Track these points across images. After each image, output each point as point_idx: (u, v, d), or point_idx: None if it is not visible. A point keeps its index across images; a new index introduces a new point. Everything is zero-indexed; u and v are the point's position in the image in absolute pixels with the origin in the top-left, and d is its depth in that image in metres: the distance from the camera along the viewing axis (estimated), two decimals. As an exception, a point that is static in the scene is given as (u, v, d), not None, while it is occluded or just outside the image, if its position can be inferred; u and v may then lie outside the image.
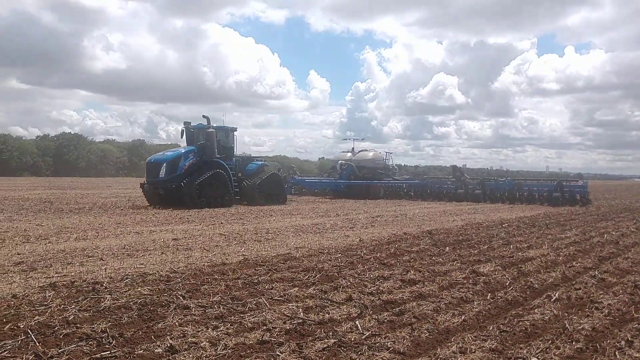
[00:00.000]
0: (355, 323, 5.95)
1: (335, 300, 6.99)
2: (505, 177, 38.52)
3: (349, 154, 38.56)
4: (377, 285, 7.94)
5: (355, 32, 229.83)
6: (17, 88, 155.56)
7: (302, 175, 47.62)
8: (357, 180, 35.49)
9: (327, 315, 6.27)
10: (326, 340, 5.34)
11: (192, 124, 25.47)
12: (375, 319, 6.17)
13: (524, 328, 5.98)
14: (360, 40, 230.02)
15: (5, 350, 4.77)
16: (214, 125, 25.35)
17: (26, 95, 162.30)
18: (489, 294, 7.60)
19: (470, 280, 8.50)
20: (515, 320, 6.31)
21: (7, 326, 5.44)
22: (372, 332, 5.67)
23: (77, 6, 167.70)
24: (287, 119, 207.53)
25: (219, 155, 24.42)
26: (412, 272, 8.99)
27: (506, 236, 14.42)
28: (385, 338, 5.50)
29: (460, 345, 5.34)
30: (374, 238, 13.53)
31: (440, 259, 10.41)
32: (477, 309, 6.77)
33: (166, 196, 23.06)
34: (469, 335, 5.68)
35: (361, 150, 39.20)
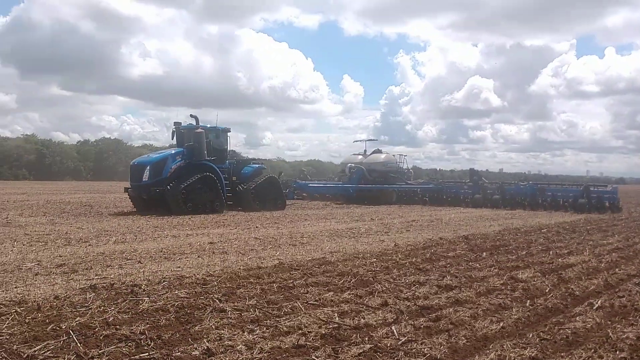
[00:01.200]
0: (391, 328, 5.90)
1: (370, 305, 6.95)
2: (527, 181, 36.19)
3: (360, 157, 35.85)
4: (412, 290, 7.86)
5: (389, 36, 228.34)
6: (58, 95, 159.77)
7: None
8: (367, 185, 33.09)
9: (362, 320, 6.23)
10: (362, 346, 5.30)
11: (182, 125, 23.86)
12: (411, 324, 6.11)
13: (565, 336, 5.83)
14: (394, 44, 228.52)
15: (48, 350, 4.89)
16: (206, 125, 23.71)
17: (67, 102, 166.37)
18: (528, 301, 7.43)
19: (509, 286, 8.34)
20: (556, 328, 6.15)
21: (50, 327, 5.57)
22: (408, 337, 5.61)
23: (115, 14, 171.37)
24: (321, 124, 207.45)
25: (209, 158, 22.63)
26: (448, 277, 8.87)
27: (545, 242, 14.12)
28: (421, 344, 5.43)
29: (499, 353, 5.23)
30: (409, 243, 13.42)
31: (477, 265, 10.25)
32: (516, 316, 6.63)
33: (149, 201, 21.77)
34: (507, 342, 5.56)
35: (373, 153, 36.39)
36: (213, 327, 5.78)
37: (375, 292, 7.68)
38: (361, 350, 5.17)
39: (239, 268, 9.31)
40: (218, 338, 5.42)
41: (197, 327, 5.75)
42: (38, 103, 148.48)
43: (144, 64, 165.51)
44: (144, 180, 21.49)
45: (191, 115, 23.69)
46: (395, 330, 5.81)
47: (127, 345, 5.12)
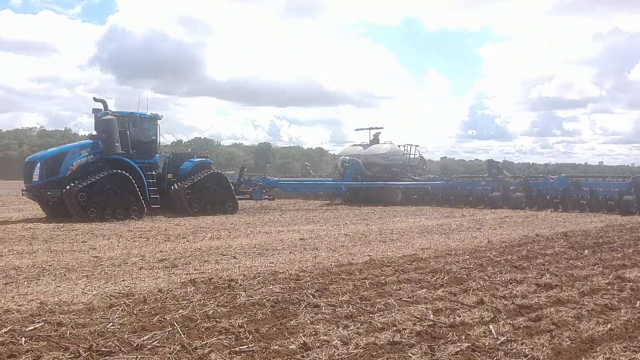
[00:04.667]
0: (488, 327, 5.72)
1: (465, 303, 6.78)
2: (558, 173, 30.48)
3: (360, 148, 30.10)
4: (509, 288, 7.60)
5: (474, 28, 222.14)
6: (152, 98, 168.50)
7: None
8: (364, 182, 28.11)
9: (458, 318, 6.09)
10: (459, 344, 5.19)
11: (109, 111, 19.04)
12: (510, 323, 5.90)
13: (681, 340, 5.41)
14: (479, 35, 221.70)
15: (155, 340, 5.15)
16: (124, 111, 19.46)
17: (160, 104, 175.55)
18: (638, 302, 6.97)
19: (615, 286, 7.86)
20: (671, 331, 5.73)
21: (156, 318, 5.88)
22: (507, 337, 5.42)
23: (201, 19, 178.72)
24: (405, 118, 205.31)
25: (123, 151, 18.35)
26: (547, 275, 8.49)
27: (654, 239, 13.18)
28: (522, 344, 5.23)
29: (608, 356, 4.95)
30: (503, 240, 12.98)
31: (579, 263, 9.74)
32: (624, 318, 6.23)
33: (56, 207, 17.58)
34: (617, 345, 5.25)
35: (371, 143, 30.65)
36: (308, 322, 5.87)
37: (469, 289, 7.49)
38: (458, 349, 5.06)
39: (331, 264, 9.39)
40: (313, 333, 5.49)
41: (292, 322, 5.86)
42: (134, 106, 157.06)
43: (230, 65, 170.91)
44: (34, 180, 17.49)
45: (95, 99, 19.43)
46: (493, 330, 5.63)
47: (227, 337, 5.30)
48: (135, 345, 5.00)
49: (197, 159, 20.93)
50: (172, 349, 4.91)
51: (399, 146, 30.32)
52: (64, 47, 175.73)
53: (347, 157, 29.25)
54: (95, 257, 10.00)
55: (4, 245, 11.37)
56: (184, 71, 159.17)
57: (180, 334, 5.33)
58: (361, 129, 33.05)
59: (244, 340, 5.21)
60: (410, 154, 30.63)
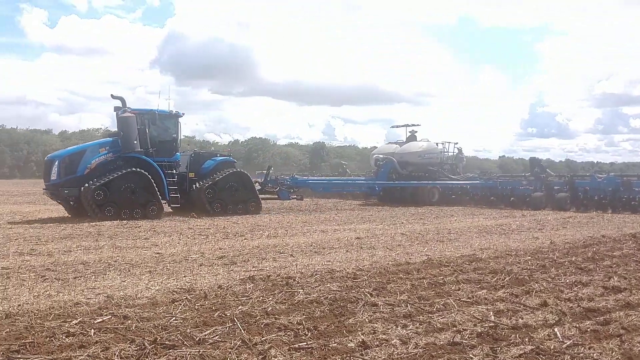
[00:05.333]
0: (553, 330, 5.54)
1: (528, 304, 6.60)
2: (607, 172, 27.47)
3: (395, 146, 28.93)
4: (575, 291, 7.33)
5: (532, 23, 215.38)
6: (209, 99, 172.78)
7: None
8: (398, 181, 26.96)
9: (520, 320, 5.93)
10: (522, 347, 5.04)
11: (128, 108, 18.65)
12: (576, 327, 5.69)
13: None
14: (538, 30, 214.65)
15: (216, 335, 5.26)
16: (144, 109, 19.09)
17: (217, 105, 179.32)
18: None
19: (689, 290, 7.46)
20: None
21: (216, 313, 5.99)
22: (573, 341, 5.23)
23: (254, 22, 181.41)
24: (461, 117, 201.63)
25: (141, 149, 17.99)
26: (615, 278, 8.15)
27: None
28: (589, 349, 5.04)
29: (683, 363, 4.70)
30: (566, 240, 12.55)
31: (649, 265, 9.30)
32: (700, 323, 5.91)
33: (79, 206, 17.38)
34: (692, 352, 4.98)
35: (408, 141, 29.43)
36: (366, 320, 5.85)
37: (532, 291, 7.27)
38: (522, 352, 4.92)
39: (388, 263, 9.33)
40: (372, 331, 5.47)
41: (350, 320, 5.85)
42: (193, 107, 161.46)
43: (286, 66, 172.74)
44: (52, 179, 17.43)
45: (113, 96, 19.01)
46: (558, 333, 5.45)
47: (286, 334, 5.35)
48: (197, 339, 5.11)
49: (220, 158, 20.49)
50: (232, 344, 4.99)
51: (436, 144, 29.01)
52: (126, 50, 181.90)
53: (381, 156, 28.07)
54: (158, 253, 10.30)
55: (72, 241, 11.87)
56: (240, 72, 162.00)
57: (241, 330, 5.41)
58: (397, 126, 32.03)
59: (303, 337, 5.25)
60: (448, 152, 29.27)
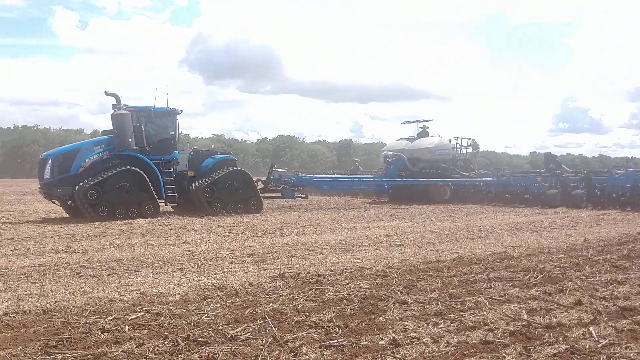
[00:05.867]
0: (588, 329, 5.44)
1: (562, 303, 6.48)
2: (625, 167, 24.81)
3: (405, 142, 28.04)
4: (610, 289, 7.18)
5: (563, 17, 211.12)
6: (237, 97, 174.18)
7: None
8: (407, 179, 25.90)
9: (554, 319, 5.83)
10: (556, 346, 4.96)
11: (123, 105, 18.09)
12: (612, 326, 5.57)
13: None
14: (569, 24, 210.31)
15: (247, 332, 5.30)
16: (139, 105, 18.42)
17: (245, 103, 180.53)
18: None
19: None
20: None
21: (247, 310, 6.04)
22: (609, 340, 5.12)
23: (281, 20, 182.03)
24: (492, 113, 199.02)
25: (137, 147, 17.54)
26: (652, 276, 7.96)
27: None
28: (626, 349, 4.93)
29: None
30: (601, 238, 12.29)
31: (688, 263, 9.06)
32: None
33: (76, 206, 16.95)
34: None
35: (419, 137, 28.37)
36: (397, 318, 5.83)
37: (566, 289, 7.14)
38: (556, 351, 4.84)
39: (418, 261, 9.28)
40: (403, 329, 5.44)
41: (381, 318, 5.84)
42: (221, 106, 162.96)
43: (312, 64, 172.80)
44: (45, 178, 17.07)
45: (106, 93, 18.37)
46: (593, 332, 5.34)
47: (317, 331, 5.36)
48: (229, 336, 5.16)
49: (220, 156, 19.84)
50: (264, 341, 5.03)
51: (448, 140, 28.15)
52: (155, 50, 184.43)
53: (391, 152, 27.20)
54: (189, 251, 10.43)
55: (106, 239, 12.10)
56: (267, 70, 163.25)
57: (272, 327, 5.45)
58: (408, 122, 30.66)
59: (334, 335, 5.25)
60: (461, 148, 28.24)
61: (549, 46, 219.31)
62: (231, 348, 4.83)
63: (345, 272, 8.24)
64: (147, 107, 18.32)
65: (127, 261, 9.23)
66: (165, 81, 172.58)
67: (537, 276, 7.93)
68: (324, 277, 7.82)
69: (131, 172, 16.99)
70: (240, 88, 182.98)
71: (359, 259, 9.58)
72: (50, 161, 17.00)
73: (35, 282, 7.53)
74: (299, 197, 22.73)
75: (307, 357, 4.70)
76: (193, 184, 18.66)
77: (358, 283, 7.44)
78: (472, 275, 8.04)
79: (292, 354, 4.77)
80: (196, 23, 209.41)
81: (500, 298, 6.72)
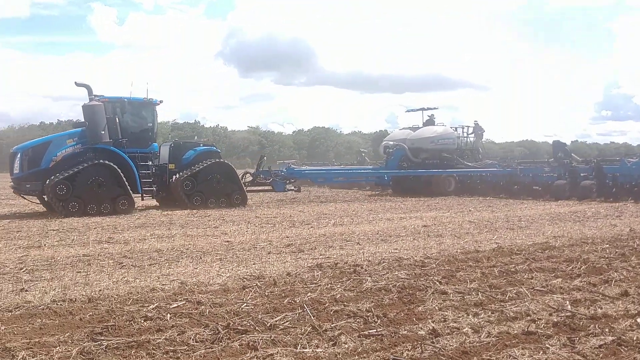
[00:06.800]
0: (635, 321, 5.28)
1: (607, 294, 6.32)
2: (638, 155, 22.93)
3: (408, 131, 26.49)
4: (658, 280, 6.96)
5: (603, 1, 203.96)
6: (273, 90, 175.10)
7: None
8: (408, 170, 24.57)
9: (599, 310, 5.69)
10: (602, 337, 4.84)
11: (97, 96, 17.09)
12: (660, 318, 5.40)
13: None
14: (610, 8, 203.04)
15: (286, 321, 5.34)
16: (113, 96, 17.43)
17: (280, 95, 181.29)
18: None
19: None
20: None
21: (286, 300, 6.08)
22: (658, 332, 4.97)
23: (315, 13, 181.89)
24: (529, 101, 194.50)
25: (111, 140, 16.59)
26: (703, 267, 7.68)
27: None
28: (676, 341, 4.78)
29: None
30: (647, 228, 11.93)
31: None
32: None
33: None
34: None
35: (425, 126, 26.76)
36: (436, 308, 5.77)
37: (611, 280, 6.96)
38: (602, 342, 4.72)
39: (456, 251, 9.17)
40: (442, 319, 5.39)
41: (420, 308, 5.79)
42: (256, 98, 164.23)
43: (345, 55, 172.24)
44: (14, 172, 16.22)
45: (77, 83, 17.30)
46: (641, 324, 5.20)
47: (355, 320, 5.36)
48: (268, 325, 5.20)
49: (202, 148, 18.78)
50: (303, 330, 5.05)
51: (455, 129, 26.64)
52: (191, 44, 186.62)
53: (391, 142, 25.76)
54: (227, 241, 10.54)
55: (147, 230, 12.34)
56: (302, 62, 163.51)
57: (310, 316, 5.47)
58: (413, 110, 29.12)
59: (373, 325, 5.24)
60: (466, 137, 26.78)
61: (590, 31, 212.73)
62: (270, 336, 4.87)
63: (383, 262, 8.21)
64: (122, 98, 17.49)
65: (167, 252, 9.40)
66: (201, 75, 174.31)
67: (581, 267, 7.75)
68: (362, 267, 7.80)
69: (104, 166, 16.08)
70: (275, 80, 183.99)
71: (396, 249, 9.52)
72: (19, 155, 16.15)
73: (80, 272, 7.74)
74: (292, 190, 21.65)
75: (346, 346, 4.70)
76: (173, 177, 17.75)
77: (396, 273, 7.40)
78: (513, 265, 7.90)
79: (331, 342, 4.77)
80: (231, 16, 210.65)
81: (543, 289, 6.59)
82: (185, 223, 13.59)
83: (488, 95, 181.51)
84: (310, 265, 8.08)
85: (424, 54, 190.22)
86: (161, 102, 18.25)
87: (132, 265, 8.25)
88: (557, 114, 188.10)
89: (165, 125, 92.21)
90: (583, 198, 19.68)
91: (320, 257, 8.84)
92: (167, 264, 8.30)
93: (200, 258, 8.81)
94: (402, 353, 4.54)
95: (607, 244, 9.76)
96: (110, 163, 16.10)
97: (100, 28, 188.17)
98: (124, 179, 16.25)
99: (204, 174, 17.83)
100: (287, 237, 11.17)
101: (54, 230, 12.22)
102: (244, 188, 19.05)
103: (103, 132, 16.34)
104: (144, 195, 17.51)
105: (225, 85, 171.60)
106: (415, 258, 8.51)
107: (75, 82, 17.18)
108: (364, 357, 4.46)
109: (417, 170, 24.44)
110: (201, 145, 19.11)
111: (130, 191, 16.44)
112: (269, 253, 9.25)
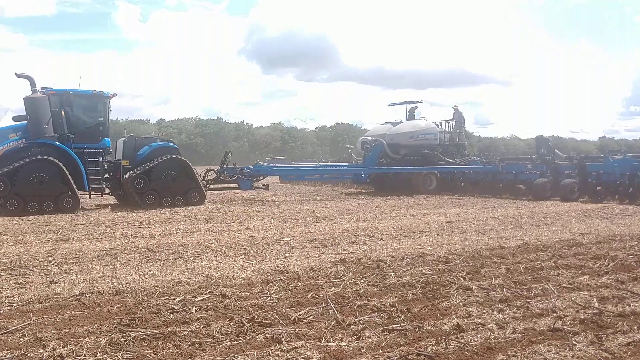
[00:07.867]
0: (665, 319, 5.20)
1: (636, 292, 6.22)
2: (623, 152, 21.58)
3: (388, 126, 24.51)
4: (688, 278, 6.83)
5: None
6: (294, 86, 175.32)
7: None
8: (385, 167, 23.16)
9: (627, 307, 5.60)
10: (630, 335, 4.77)
11: (43, 89, 16.06)
12: (691, 316, 5.30)
13: None
14: (637, 2, 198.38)
15: (310, 315, 5.37)
16: (60, 89, 16.17)
17: (303, 91, 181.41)
18: None
19: None
20: None
21: (310, 294, 6.11)
22: (688, 330, 4.88)
23: (336, 9, 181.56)
24: (556, 96, 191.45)
25: (55, 134, 15.63)
26: None
27: None
28: None
29: None
30: (677, 225, 11.69)
31: None
32: None
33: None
34: None
35: (408, 120, 25.14)
36: (460, 304, 5.75)
37: (640, 278, 6.86)
38: (630, 340, 4.65)
39: (481, 247, 9.11)
40: (467, 315, 5.37)
41: (444, 303, 5.77)
42: (279, 94, 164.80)
43: (365, 51, 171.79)
44: None
45: (17, 75, 16.06)
46: (671, 321, 5.11)
47: (379, 315, 5.36)
48: (292, 318, 5.24)
49: (157, 143, 17.55)
50: (327, 324, 5.07)
51: (438, 124, 24.92)
52: (214, 40, 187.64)
53: (369, 138, 24.13)
54: (251, 236, 10.62)
55: (172, 224, 12.48)
56: (324, 58, 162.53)
57: (334, 311, 5.49)
58: (395, 104, 27.21)
59: (396, 320, 5.24)
60: (449, 133, 25.29)
61: (618, 24, 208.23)
62: (295, 330, 4.90)
63: (407, 257, 8.19)
64: (68, 90, 16.21)
65: (192, 246, 9.50)
66: (223, 71, 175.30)
67: (609, 264, 7.64)
68: (385, 263, 7.80)
69: (46, 162, 15.02)
70: (297, 76, 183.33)
71: (420, 245, 9.49)
72: None
73: (107, 265, 7.87)
74: (259, 188, 20.44)
75: (370, 340, 4.71)
76: (125, 174, 16.59)
77: (420, 269, 7.38)
78: (539, 262, 7.83)
79: (355, 336, 4.79)
80: (253, 12, 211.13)
81: (569, 286, 6.52)
82: (210, 218, 13.72)
83: (512, 90, 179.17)
84: (333, 260, 8.10)
85: (446, 49, 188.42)
86: (114, 95, 17.25)
87: (157, 259, 8.36)
88: (583, 109, 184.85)
89: (188, 122, 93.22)
90: (565, 198, 18.59)
91: (344, 252, 8.86)
92: (192, 258, 8.40)
93: (225, 252, 8.90)
94: (426, 348, 4.53)
95: (635, 241, 9.60)
96: (54, 159, 15.17)
97: (124, 25, 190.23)
98: (68, 175, 15.27)
99: (158, 171, 16.68)
100: (311, 232, 11.20)
101: (81, 224, 12.44)
102: (202, 186, 17.87)
103: (46, 126, 15.45)
104: (92, 192, 16.54)
105: (248, 81, 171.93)
106: (439, 254, 8.48)
107: (16, 73, 16.06)
108: (388, 352, 4.47)
109: (394, 167, 23.10)
110: (158, 140, 18.14)
111: (76, 189, 15.48)
112: (292, 248, 9.30)
